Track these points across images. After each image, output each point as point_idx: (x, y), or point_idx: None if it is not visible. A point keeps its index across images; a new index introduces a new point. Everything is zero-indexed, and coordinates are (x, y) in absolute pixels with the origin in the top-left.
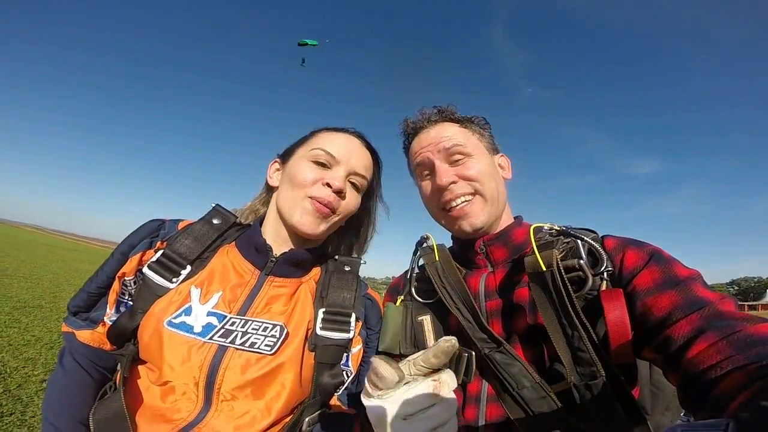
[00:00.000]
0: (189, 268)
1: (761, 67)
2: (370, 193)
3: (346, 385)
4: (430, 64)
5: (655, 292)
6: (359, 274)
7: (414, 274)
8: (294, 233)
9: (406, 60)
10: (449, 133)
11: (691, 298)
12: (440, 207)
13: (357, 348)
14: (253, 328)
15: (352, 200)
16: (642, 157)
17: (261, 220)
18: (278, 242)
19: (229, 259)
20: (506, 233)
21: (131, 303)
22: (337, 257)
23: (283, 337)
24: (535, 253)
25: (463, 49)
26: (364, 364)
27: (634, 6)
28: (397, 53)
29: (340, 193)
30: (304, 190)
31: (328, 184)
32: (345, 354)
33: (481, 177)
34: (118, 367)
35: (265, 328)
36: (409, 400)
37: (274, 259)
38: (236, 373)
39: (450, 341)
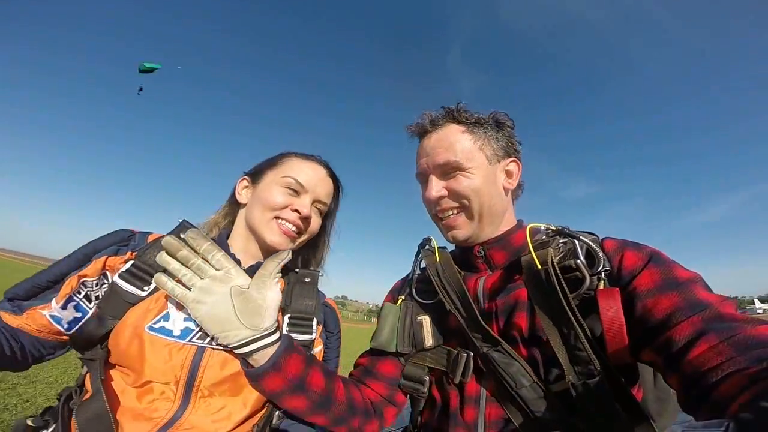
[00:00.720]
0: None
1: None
2: (328, 214)
3: None
4: (388, 77)
5: (655, 294)
6: (317, 285)
7: (415, 276)
8: (263, 248)
9: (366, 70)
10: (447, 144)
11: (692, 300)
12: (433, 214)
13: (318, 348)
14: None
15: (315, 223)
16: (577, 179)
17: (227, 234)
18: (247, 256)
19: None
20: (505, 237)
21: (90, 308)
22: (297, 270)
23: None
24: (530, 252)
25: (422, 66)
26: (325, 362)
27: (579, 34)
28: (360, 62)
29: (306, 219)
30: (273, 212)
31: (296, 210)
32: (308, 351)
33: (470, 193)
34: (83, 370)
35: None
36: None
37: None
38: (215, 370)
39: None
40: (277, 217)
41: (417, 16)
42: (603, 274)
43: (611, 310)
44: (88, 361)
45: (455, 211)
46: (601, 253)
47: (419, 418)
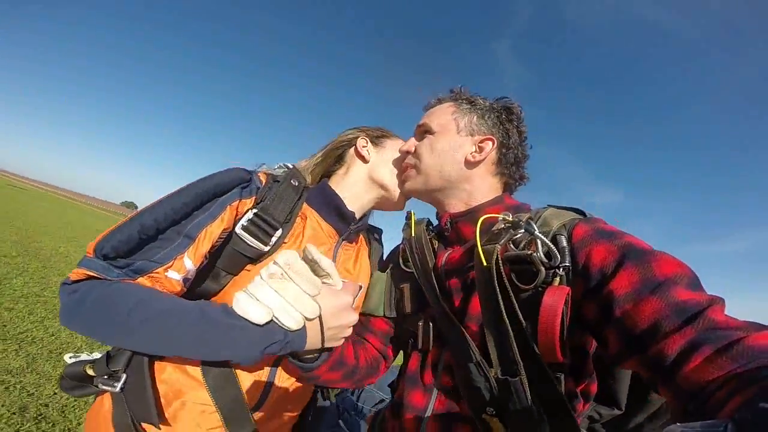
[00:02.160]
0: (280, 230)
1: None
2: None
3: None
4: (432, 64)
5: (634, 299)
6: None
7: (401, 246)
8: (376, 201)
9: (408, 58)
10: (431, 113)
11: (678, 306)
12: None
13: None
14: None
15: None
16: (607, 188)
17: (327, 183)
18: (356, 203)
19: (311, 222)
20: (474, 211)
21: (206, 262)
22: (369, 225)
23: (360, 292)
24: (477, 247)
25: (469, 54)
26: None
27: (636, 39)
28: (401, 51)
29: None
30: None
31: None
32: None
33: (423, 154)
34: None
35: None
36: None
37: (353, 227)
38: None
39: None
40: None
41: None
42: (561, 269)
43: (547, 312)
44: None
45: (408, 167)
46: (559, 249)
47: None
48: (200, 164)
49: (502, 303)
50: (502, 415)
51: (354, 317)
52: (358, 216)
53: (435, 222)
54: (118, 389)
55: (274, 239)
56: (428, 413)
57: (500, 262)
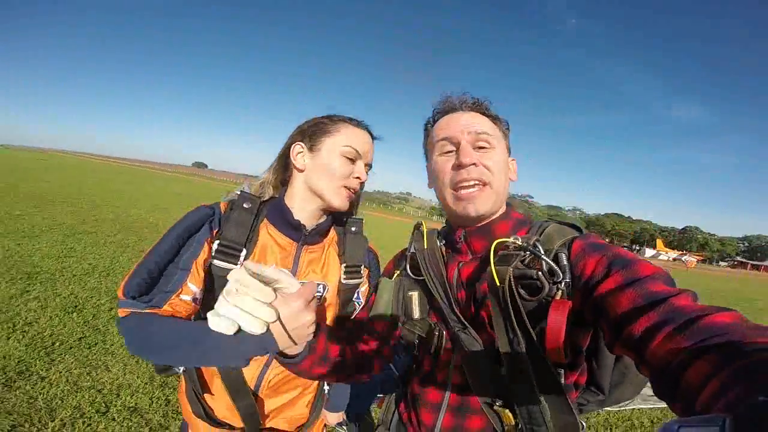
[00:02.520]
0: (244, 250)
1: None
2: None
3: (358, 310)
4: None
5: (616, 293)
6: (362, 232)
7: (409, 254)
8: (320, 208)
9: None
10: (481, 122)
11: (649, 295)
12: (452, 185)
13: (364, 287)
14: None
15: (365, 183)
16: (684, 102)
17: (282, 195)
18: (304, 215)
19: (270, 236)
20: (489, 226)
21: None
22: (345, 219)
23: (324, 291)
24: (491, 269)
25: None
26: (372, 290)
27: None
28: None
29: (363, 183)
30: (342, 181)
31: (358, 177)
32: (356, 291)
33: (496, 170)
34: None
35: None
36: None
37: (306, 233)
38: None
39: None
40: (344, 185)
41: None
42: (562, 284)
43: (555, 324)
44: None
45: (477, 185)
46: (560, 267)
47: (411, 369)
48: (265, 121)
49: (514, 316)
50: (511, 407)
51: (310, 316)
52: (310, 223)
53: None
54: (181, 371)
55: (241, 258)
56: (443, 408)
57: (512, 282)
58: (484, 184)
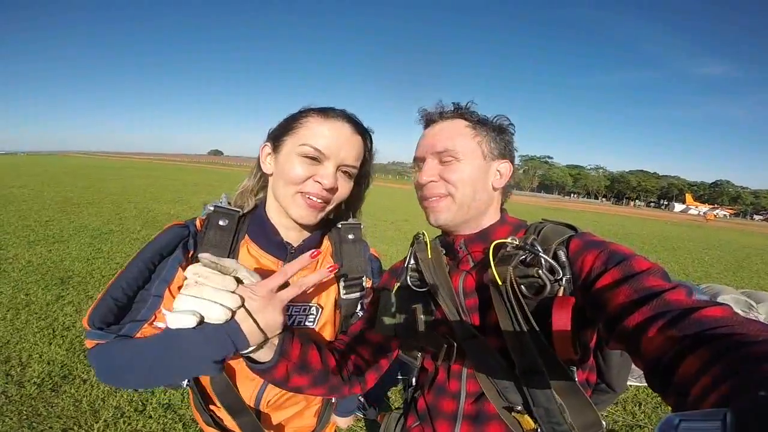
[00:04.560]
0: None
1: None
2: (363, 162)
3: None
4: None
5: (613, 289)
6: (362, 238)
7: (410, 265)
8: (294, 224)
9: None
10: (449, 134)
11: (643, 290)
12: (421, 199)
13: (369, 297)
14: (295, 311)
15: (344, 188)
16: (710, 58)
17: (263, 206)
18: (285, 227)
19: (252, 256)
20: (486, 232)
21: None
22: (340, 225)
23: (319, 313)
24: (492, 270)
25: None
26: (372, 301)
27: None
28: None
29: (331, 189)
30: (295, 186)
31: (319, 182)
32: (360, 303)
33: (458, 183)
34: None
35: (304, 309)
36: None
37: (292, 251)
38: None
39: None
40: (300, 191)
41: None
42: (564, 280)
43: (560, 320)
44: None
45: (440, 197)
46: (560, 264)
47: (417, 378)
48: (278, 107)
49: (519, 314)
50: (530, 411)
51: (279, 305)
52: (296, 237)
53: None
54: (185, 385)
55: None
56: (460, 417)
57: (514, 281)
58: (444, 196)
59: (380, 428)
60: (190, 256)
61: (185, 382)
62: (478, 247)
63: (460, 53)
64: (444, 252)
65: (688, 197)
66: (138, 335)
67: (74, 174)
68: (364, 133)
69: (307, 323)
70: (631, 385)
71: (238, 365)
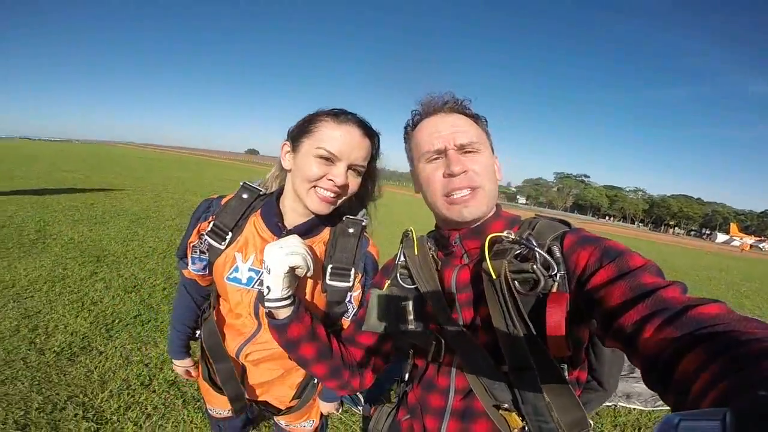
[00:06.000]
0: (230, 234)
1: None
2: (371, 162)
3: (349, 313)
4: None
5: (608, 286)
6: (361, 234)
7: (400, 262)
8: (308, 212)
9: None
10: (465, 127)
11: (639, 287)
12: (443, 193)
13: (357, 292)
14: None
15: (353, 184)
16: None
17: (279, 193)
18: (295, 214)
19: (256, 228)
20: (481, 227)
21: (205, 258)
22: (345, 217)
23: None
24: (487, 263)
25: None
26: (363, 302)
27: None
28: None
29: (342, 186)
30: (311, 183)
31: (331, 180)
32: (348, 294)
33: (485, 173)
34: (211, 297)
35: None
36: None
37: (285, 231)
38: None
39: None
40: (315, 186)
41: None
42: (558, 276)
43: (554, 316)
44: (212, 291)
45: (469, 190)
46: (554, 259)
47: (409, 374)
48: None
49: (513, 309)
50: (518, 409)
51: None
52: (294, 220)
53: (420, 234)
54: (197, 335)
55: (227, 239)
56: (447, 413)
57: (508, 274)
58: (476, 188)
59: (371, 421)
60: (210, 219)
61: (198, 333)
62: (473, 242)
63: (493, 67)
64: (436, 248)
65: (733, 227)
66: (185, 272)
67: (120, 163)
68: (373, 135)
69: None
70: (634, 409)
71: (236, 321)
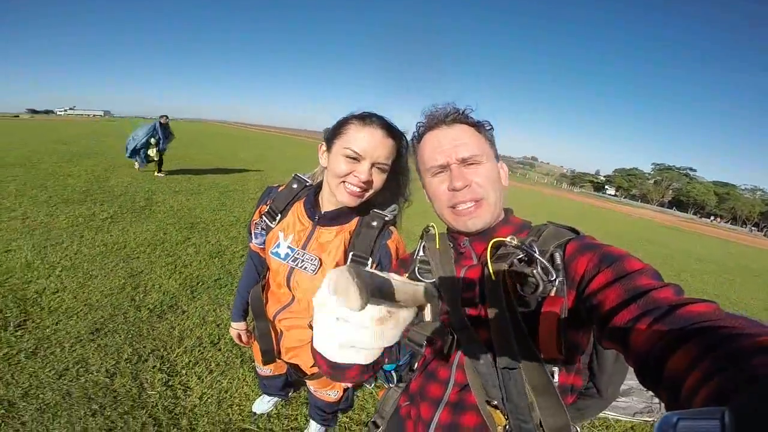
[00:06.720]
0: (279, 215)
1: None
2: (398, 157)
3: None
4: None
5: (605, 288)
6: (383, 227)
7: (419, 256)
8: (340, 201)
9: None
10: (466, 139)
11: (633, 288)
12: (448, 205)
13: None
14: (306, 258)
15: (378, 181)
16: None
17: (319, 186)
18: (330, 204)
19: (297, 213)
20: (490, 231)
21: (263, 233)
22: (372, 211)
23: (318, 265)
24: (488, 265)
25: None
26: None
27: None
28: None
29: (367, 182)
30: (340, 179)
31: (356, 176)
32: None
33: (489, 184)
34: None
35: (311, 259)
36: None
37: (319, 217)
38: (299, 281)
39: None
40: (344, 182)
41: None
42: (557, 282)
43: (547, 319)
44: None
45: (473, 202)
46: (554, 266)
47: (415, 364)
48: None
49: (507, 309)
50: (504, 407)
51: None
52: (330, 210)
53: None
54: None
55: (277, 219)
56: (443, 403)
57: (506, 277)
58: (480, 200)
59: (379, 401)
60: (268, 203)
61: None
62: (482, 244)
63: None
64: (450, 242)
65: None
66: (252, 246)
67: (214, 140)
68: (396, 135)
69: (309, 269)
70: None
71: (278, 291)
